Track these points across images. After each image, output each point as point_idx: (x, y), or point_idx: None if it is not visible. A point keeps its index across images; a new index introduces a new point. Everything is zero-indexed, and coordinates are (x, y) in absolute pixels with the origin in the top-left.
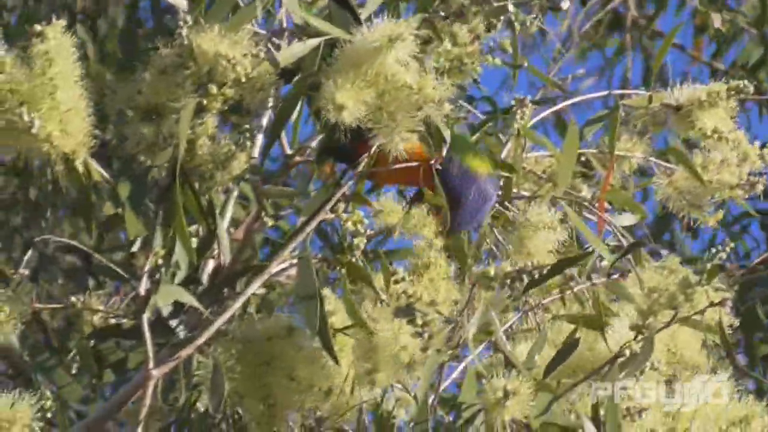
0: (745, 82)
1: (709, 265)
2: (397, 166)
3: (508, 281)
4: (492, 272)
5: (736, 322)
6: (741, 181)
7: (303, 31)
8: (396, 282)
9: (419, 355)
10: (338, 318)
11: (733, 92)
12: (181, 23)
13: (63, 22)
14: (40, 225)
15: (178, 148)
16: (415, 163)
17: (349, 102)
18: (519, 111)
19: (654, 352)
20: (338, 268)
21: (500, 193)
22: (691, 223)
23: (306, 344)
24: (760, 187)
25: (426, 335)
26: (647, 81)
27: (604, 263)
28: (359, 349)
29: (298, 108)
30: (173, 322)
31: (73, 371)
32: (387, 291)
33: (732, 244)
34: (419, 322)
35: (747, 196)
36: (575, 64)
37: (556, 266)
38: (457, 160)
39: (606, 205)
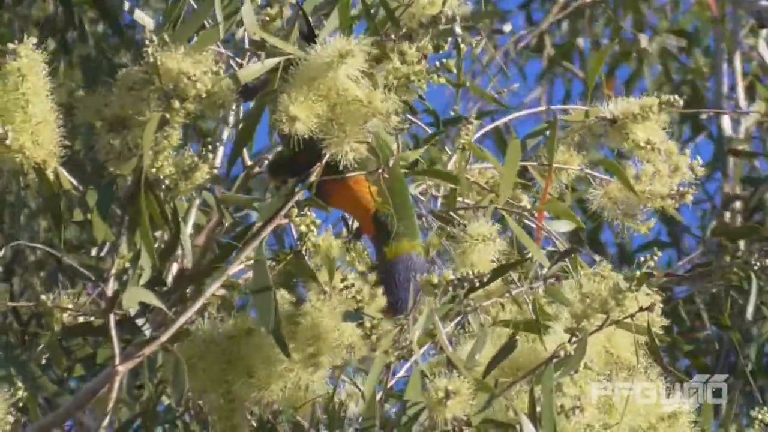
0: (676, 96)
1: (638, 273)
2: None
3: (451, 288)
4: (435, 280)
5: (665, 322)
6: (672, 192)
7: (261, 49)
8: (346, 287)
9: (358, 339)
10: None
11: (664, 106)
12: (147, 42)
13: (34, 40)
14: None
15: (143, 158)
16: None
17: (302, 114)
18: (464, 128)
19: (591, 354)
20: (281, 264)
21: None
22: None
23: (264, 344)
24: (689, 198)
25: (374, 338)
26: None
27: (545, 271)
28: (303, 335)
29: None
30: (139, 321)
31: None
32: (330, 284)
33: (660, 253)
34: (367, 325)
35: (677, 206)
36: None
37: (494, 273)
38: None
39: (545, 213)
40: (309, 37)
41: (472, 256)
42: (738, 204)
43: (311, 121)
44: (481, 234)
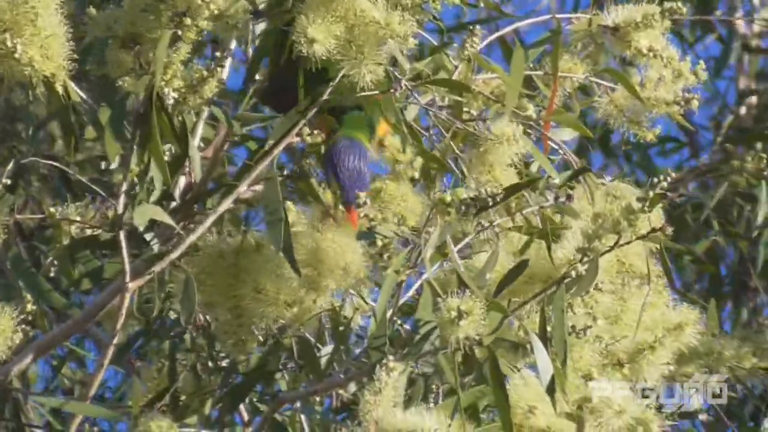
0: (679, 3)
1: (651, 194)
2: None
3: (464, 207)
4: (448, 198)
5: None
6: (677, 98)
7: None
8: (359, 206)
9: (362, 269)
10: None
11: (666, 14)
12: None
13: None
14: (19, 136)
15: (155, 75)
16: None
17: (320, 36)
18: (469, 39)
19: (603, 264)
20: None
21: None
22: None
23: (272, 259)
24: (695, 103)
25: (386, 256)
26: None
27: (556, 181)
28: (305, 255)
29: None
30: (147, 235)
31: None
32: (334, 206)
33: (673, 174)
34: (379, 244)
35: (683, 112)
36: None
37: (507, 192)
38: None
39: (551, 123)
40: None
41: (491, 156)
42: (754, 99)
43: (329, 42)
44: (505, 134)
